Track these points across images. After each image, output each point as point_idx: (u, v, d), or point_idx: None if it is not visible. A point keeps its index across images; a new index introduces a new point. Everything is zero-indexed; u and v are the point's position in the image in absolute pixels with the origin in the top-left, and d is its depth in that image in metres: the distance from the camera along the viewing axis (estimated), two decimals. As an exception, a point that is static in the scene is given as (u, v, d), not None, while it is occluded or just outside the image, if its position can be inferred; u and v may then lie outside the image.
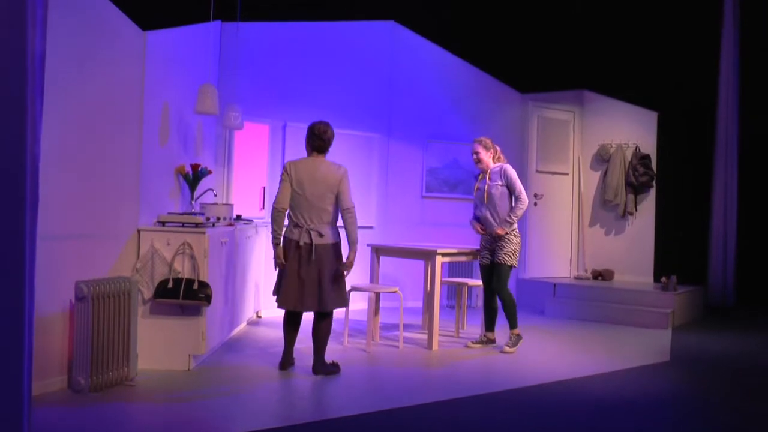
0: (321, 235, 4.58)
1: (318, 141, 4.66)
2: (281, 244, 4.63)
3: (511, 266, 5.59)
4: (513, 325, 5.68)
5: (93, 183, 4.17)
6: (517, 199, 5.61)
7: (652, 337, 6.54)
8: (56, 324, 3.93)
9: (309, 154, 4.72)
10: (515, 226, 5.61)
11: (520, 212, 5.58)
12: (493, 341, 5.85)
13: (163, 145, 5.07)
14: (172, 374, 4.42)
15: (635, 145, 8.42)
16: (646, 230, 8.40)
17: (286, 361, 4.77)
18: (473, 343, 5.82)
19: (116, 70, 4.36)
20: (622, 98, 8.58)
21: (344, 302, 4.79)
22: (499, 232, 5.56)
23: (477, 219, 5.84)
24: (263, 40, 7.04)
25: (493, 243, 5.69)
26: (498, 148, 5.84)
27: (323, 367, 4.67)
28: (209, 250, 4.61)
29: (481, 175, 5.85)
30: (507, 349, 5.60)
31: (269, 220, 4.94)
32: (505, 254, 5.57)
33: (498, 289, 5.61)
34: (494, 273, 5.64)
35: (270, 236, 4.77)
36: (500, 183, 5.65)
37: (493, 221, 5.65)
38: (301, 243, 4.54)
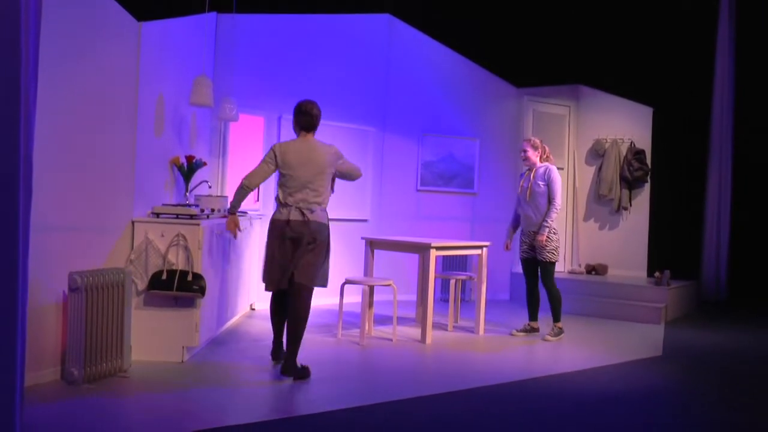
0: (312, 212, 4.46)
1: (306, 117, 4.55)
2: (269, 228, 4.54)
3: (554, 262, 5.93)
4: (556, 318, 6.03)
5: (87, 174, 4.15)
6: (551, 202, 5.88)
7: (645, 331, 6.57)
8: (50, 315, 3.92)
9: (297, 134, 4.61)
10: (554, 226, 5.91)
11: (554, 215, 5.87)
12: (536, 330, 6.15)
13: (158, 136, 5.06)
14: (165, 366, 4.42)
15: (630, 140, 8.43)
16: (640, 225, 8.43)
17: (277, 350, 4.71)
18: (517, 331, 6.14)
19: (111, 60, 4.34)
20: (618, 93, 8.59)
21: (322, 282, 4.59)
22: (542, 239, 5.82)
23: (515, 221, 6.20)
24: (259, 32, 7.01)
25: (532, 239, 5.94)
26: (547, 148, 6.11)
27: (293, 368, 4.32)
28: (203, 242, 4.60)
29: (526, 173, 6.09)
30: (549, 337, 5.94)
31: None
32: (547, 252, 5.86)
33: (547, 285, 5.96)
34: (540, 270, 5.98)
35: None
36: (542, 183, 5.91)
37: (534, 219, 5.93)
38: (291, 219, 4.43)
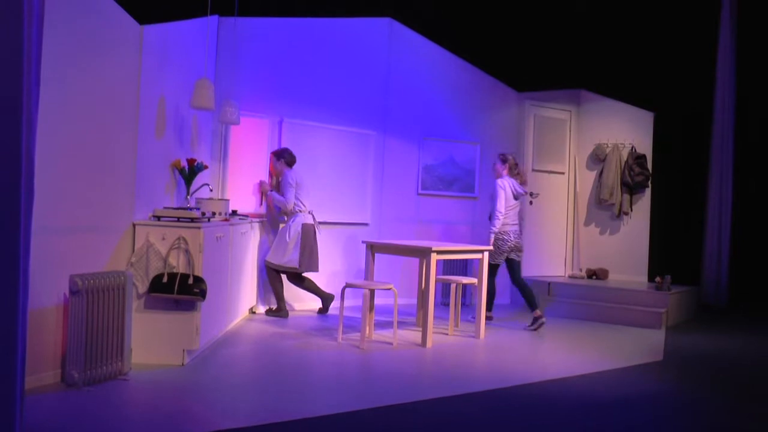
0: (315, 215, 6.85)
1: (293, 157, 6.76)
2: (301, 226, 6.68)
3: (494, 264, 6.68)
4: (489, 311, 6.77)
5: (89, 176, 4.16)
6: (492, 212, 6.63)
7: (646, 336, 6.56)
8: (50, 317, 3.92)
9: (287, 167, 6.69)
10: (497, 230, 6.59)
11: (495, 222, 6.57)
12: (540, 317, 6.60)
13: (159, 139, 5.06)
14: (166, 369, 4.42)
15: (631, 145, 8.44)
16: (641, 230, 8.42)
17: (326, 302, 6.85)
18: (529, 326, 6.66)
19: (112, 63, 4.35)
20: (619, 98, 8.60)
21: None
22: (490, 245, 6.60)
23: None
24: (260, 35, 7.01)
25: None
26: (516, 164, 6.82)
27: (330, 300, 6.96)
28: (204, 245, 4.60)
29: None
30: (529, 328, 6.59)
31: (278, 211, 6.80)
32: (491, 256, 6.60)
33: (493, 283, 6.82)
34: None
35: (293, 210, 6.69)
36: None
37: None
38: (313, 222, 6.69)
